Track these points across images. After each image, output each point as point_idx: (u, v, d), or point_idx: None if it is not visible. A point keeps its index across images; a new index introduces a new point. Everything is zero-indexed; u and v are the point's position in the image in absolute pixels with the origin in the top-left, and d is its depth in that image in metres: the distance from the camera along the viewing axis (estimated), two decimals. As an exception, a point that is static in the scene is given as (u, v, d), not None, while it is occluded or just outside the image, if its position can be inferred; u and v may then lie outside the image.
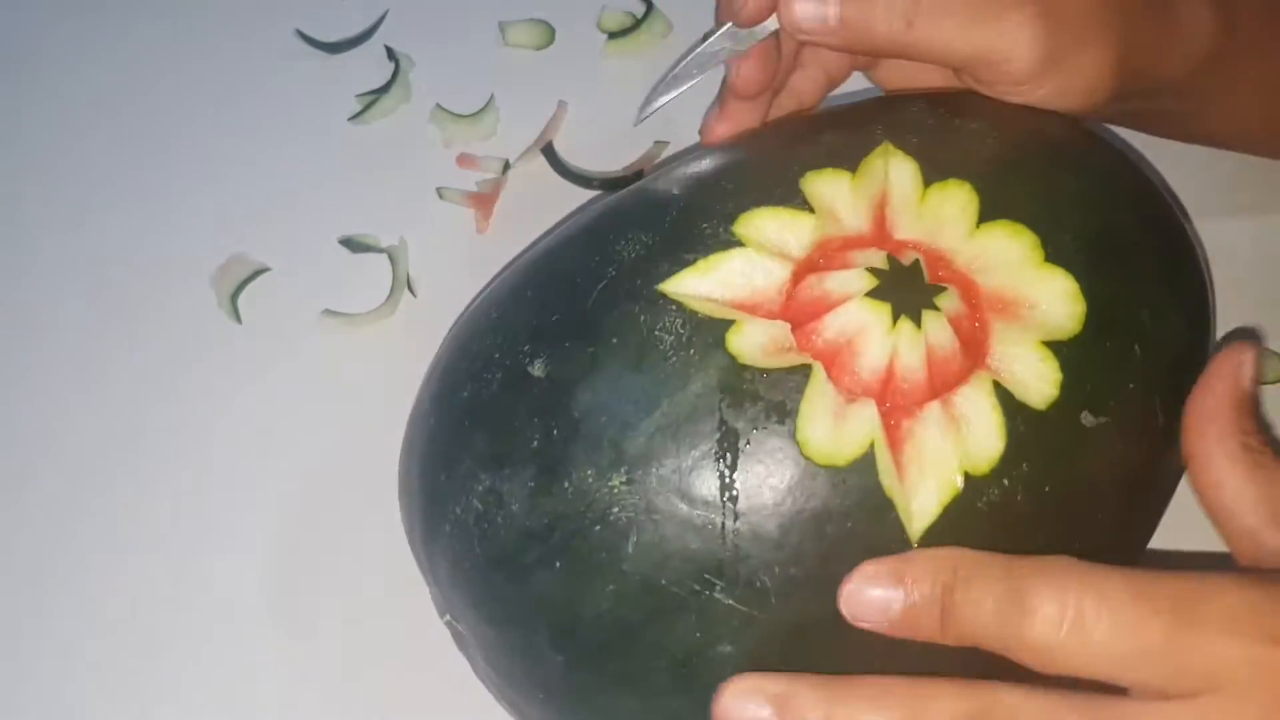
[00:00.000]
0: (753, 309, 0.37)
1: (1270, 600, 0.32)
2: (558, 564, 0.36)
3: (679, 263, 0.37)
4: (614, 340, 0.37)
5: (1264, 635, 0.31)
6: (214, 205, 0.59)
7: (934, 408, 0.36)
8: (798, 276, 0.37)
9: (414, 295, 0.56)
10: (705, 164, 0.42)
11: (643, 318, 0.37)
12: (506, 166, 0.59)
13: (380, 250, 0.57)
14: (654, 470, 0.35)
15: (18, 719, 0.48)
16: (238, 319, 0.56)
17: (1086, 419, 0.37)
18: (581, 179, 0.59)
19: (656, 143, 0.59)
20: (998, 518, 0.35)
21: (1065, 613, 0.32)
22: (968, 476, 0.35)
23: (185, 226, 0.58)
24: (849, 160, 0.39)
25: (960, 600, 0.33)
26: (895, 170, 0.39)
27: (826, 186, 0.39)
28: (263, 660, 0.49)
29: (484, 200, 0.58)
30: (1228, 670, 0.31)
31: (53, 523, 0.52)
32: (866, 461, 0.35)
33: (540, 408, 0.37)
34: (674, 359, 0.36)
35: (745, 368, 0.35)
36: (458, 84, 0.61)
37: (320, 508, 0.52)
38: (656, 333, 0.36)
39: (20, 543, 0.52)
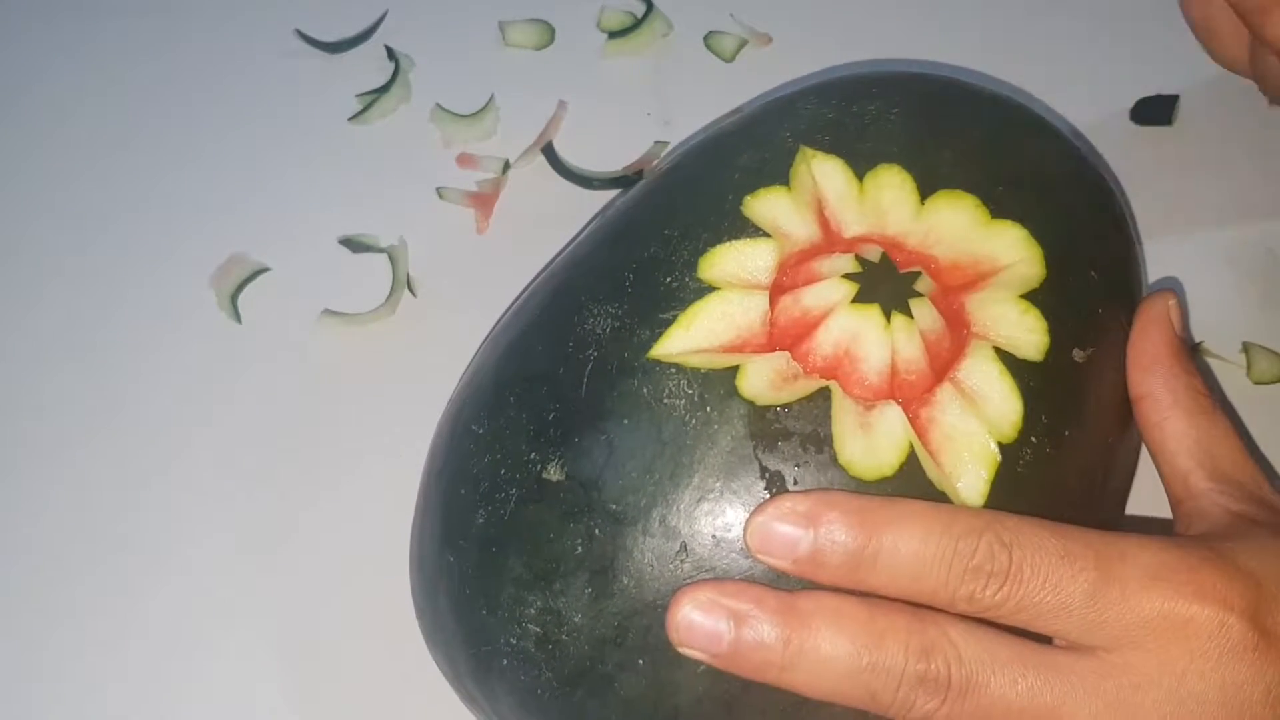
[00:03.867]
0: (743, 347, 0.36)
1: (1185, 562, 0.33)
2: (641, 661, 0.35)
3: (658, 324, 0.36)
4: (625, 421, 0.35)
5: (1177, 593, 0.33)
6: (214, 205, 0.58)
7: (945, 390, 0.36)
8: (773, 302, 0.37)
9: (414, 295, 0.55)
10: (629, 215, 0.41)
11: (645, 390, 0.36)
12: (506, 166, 0.58)
13: (380, 250, 0.56)
14: (711, 535, 0.34)
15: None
16: (238, 319, 0.55)
17: (1078, 355, 0.38)
18: (581, 179, 0.58)
19: (656, 143, 0.58)
20: (1038, 477, 0.36)
21: (997, 566, 0.33)
22: (1000, 446, 0.36)
23: (185, 226, 0.58)
24: (776, 175, 0.39)
25: (888, 549, 0.33)
26: (821, 172, 0.39)
27: (767, 207, 0.38)
28: (259, 661, 0.48)
29: (484, 200, 0.57)
30: (1143, 625, 0.33)
31: (50, 522, 0.51)
32: (912, 463, 0.35)
33: (572, 511, 0.35)
34: (693, 421, 0.35)
35: (766, 408, 0.35)
36: (458, 84, 0.61)
37: (320, 508, 0.50)
38: (666, 401, 0.35)
39: (18, 542, 0.50)
